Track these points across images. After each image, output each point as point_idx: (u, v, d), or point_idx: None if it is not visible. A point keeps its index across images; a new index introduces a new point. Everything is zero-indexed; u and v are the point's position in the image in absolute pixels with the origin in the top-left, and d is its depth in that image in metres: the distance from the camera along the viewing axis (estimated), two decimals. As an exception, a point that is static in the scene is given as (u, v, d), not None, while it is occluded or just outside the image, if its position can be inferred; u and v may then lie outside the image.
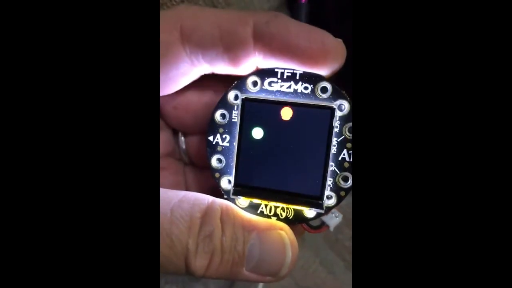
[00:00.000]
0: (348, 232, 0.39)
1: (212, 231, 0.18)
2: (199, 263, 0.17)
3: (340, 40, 0.18)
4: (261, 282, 0.19)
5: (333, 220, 0.20)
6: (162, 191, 0.18)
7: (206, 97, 0.22)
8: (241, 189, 0.20)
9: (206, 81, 0.21)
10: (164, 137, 0.25)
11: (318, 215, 0.19)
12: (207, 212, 0.18)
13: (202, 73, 0.20)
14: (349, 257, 0.36)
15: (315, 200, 0.19)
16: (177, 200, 0.18)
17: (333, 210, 0.20)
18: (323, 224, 0.20)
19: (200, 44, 0.18)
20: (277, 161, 0.19)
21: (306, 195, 0.19)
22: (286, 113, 0.19)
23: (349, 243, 0.37)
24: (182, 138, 0.25)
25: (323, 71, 0.18)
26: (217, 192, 0.20)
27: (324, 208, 0.19)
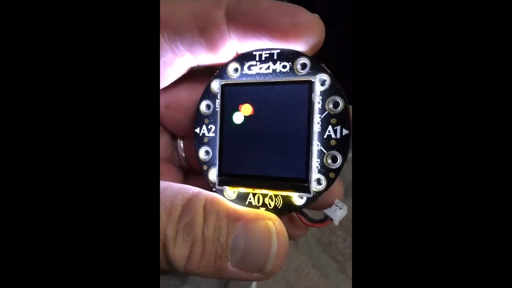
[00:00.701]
0: (341, 234, 0.39)
1: (193, 220, 0.17)
2: (178, 252, 0.16)
3: (315, 15, 0.18)
4: (249, 280, 0.18)
5: (337, 212, 0.19)
6: None
7: (196, 94, 0.21)
8: (226, 178, 0.19)
9: (196, 78, 0.21)
10: (163, 141, 0.24)
11: (308, 203, 0.18)
12: (190, 201, 0.17)
13: (188, 66, 0.20)
14: (342, 258, 0.36)
15: (301, 183, 0.17)
16: (162, 188, 0.17)
17: (336, 201, 0.19)
18: (326, 217, 0.19)
19: (176, 29, 0.18)
20: (260, 145, 0.18)
21: (291, 179, 0.18)
22: (246, 110, 0.18)
23: (342, 245, 0.37)
24: (181, 144, 0.25)
25: (300, 46, 0.18)
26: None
27: (312, 192, 0.18)
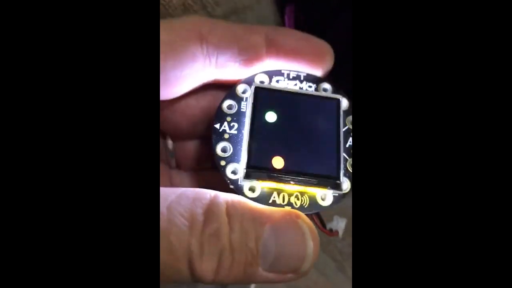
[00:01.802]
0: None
1: (218, 229, 0.15)
2: (206, 267, 0.15)
3: (329, 45, 0.21)
4: (283, 281, 0.17)
5: (340, 225, 0.21)
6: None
7: (204, 102, 0.22)
8: (253, 171, 0.18)
9: (205, 87, 0.21)
10: None
11: (334, 203, 0.19)
12: (210, 208, 0.16)
13: (205, 81, 0.20)
14: (340, 257, 0.36)
15: (333, 180, 0.18)
16: (174, 196, 0.16)
17: (335, 216, 0.20)
18: (331, 230, 0.21)
19: (218, 45, 0.19)
20: (291, 144, 0.19)
21: (323, 175, 0.18)
22: (278, 162, 0.18)
23: (341, 244, 0.37)
24: (170, 141, 0.25)
25: (320, 72, 0.21)
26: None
27: (342, 191, 0.19)
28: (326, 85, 0.21)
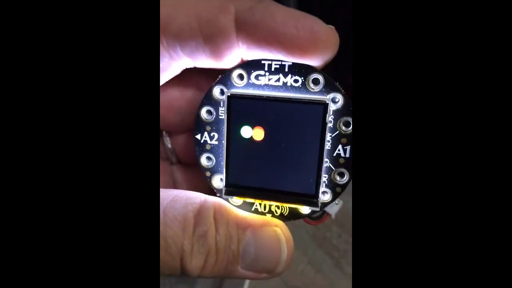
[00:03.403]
0: (336, 230, 0.39)
1: (206, 231, 0.17)
2: (194, 264, 0.17)
3: (332, 27, 0.16)
4: (257, 279, 0.19)
5: (333, 207, 0.19)
6: None
7: (189, 93, 0.21)
8: (233, 189, 0.19)
9: (188, 75, 0.19)
10: None
11: (314, 212, 0.19)
12: (200, 211, 0.18)
13: (184, 67, 0.19)
14: (337, 254, 0.36)
15: (310, 199, 0.18)
16: (169, 200, 0.18)
17: None
18: (324, 213, 0.19)
19: (178, 35, 0.17)
20: (268, 159, 0.18)
21: (300, 194, 0.18)
22: (258, 134, 0.18)
23: (336, 241, 0.37)
24: (167, 137, 0.24)
25: (314, 62, 0.17)
26: (208, 189, 0.20)
27: (320, 205, 0.18)
28: (317, 75, 0.17)
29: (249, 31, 0.16)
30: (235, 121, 0.18)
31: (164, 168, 0.24)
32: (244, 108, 0.18)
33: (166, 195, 0.18)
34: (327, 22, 0.17)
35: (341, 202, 0.20)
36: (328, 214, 0.19)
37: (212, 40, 0.16)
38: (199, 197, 0.18)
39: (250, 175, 0.19)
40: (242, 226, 0.18)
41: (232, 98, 0.18)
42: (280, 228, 0.19)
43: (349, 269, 0.35)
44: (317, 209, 0.18)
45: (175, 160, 0.24)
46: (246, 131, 0.18)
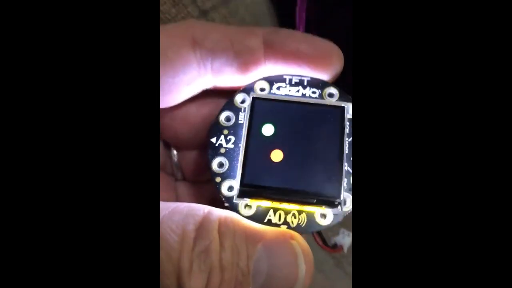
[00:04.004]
0: (337, 230, 0.39)
1: (209, 246, 0.15)
2: (194, 284, 0.15)
3: (337, 47, 0.19)
4: None
5: (345, 240, 0.19)
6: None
7: (205, 110, 0.21)
8: (248, 189, 0.18)
9: (206, 93, 0.20)
10: None
11: (334, 222, 0.18)
12: (203, 224, 0.16)
13: (204, 88, 0.20)
14: (338, 254, 0.36)
15: (332, 199, 0.17)
16: (167, 211, 0.16)
17: (341, 229, 0.19)
18: (335, 245, 0.19)
19: (212, 49, 0.18)
20: (288, 159, 0.18)
21: (322, 194, 0.17)
22: (277, 156, 0.18)
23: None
24: (175, 151, 0.24)
25: (326, 76, 0.20)
26: (214, 206, 0.19)
27: (342, 210, 0.18)
28: (332, 90, 0.19)
29: (276, 49, 0.19)
30: (257, 120, 0.19)
31: (168, 183, 0.24)
32: (266, 109, 0.19)
33: (165, 206, 0.17)
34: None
35: (351, 235, 0.19)
36: (340, 246, 0.19)
37: (242, 56, 0.19)
38: (203, 208, 0.17)
39: (268, 175, 0.18)
40: (253, 240, 0.16)
41: (256, 99, 0.19)
42: (297, 240, 0.17)
43: (350, 269, 0.35)
44: (339, 211, 0.18)
45: (180, 176, 0.24)
46: (268, 130, 0.19)
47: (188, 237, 0.15)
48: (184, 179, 0.24)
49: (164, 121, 0.22)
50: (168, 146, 0.24)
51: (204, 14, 0.31)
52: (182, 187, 0.24)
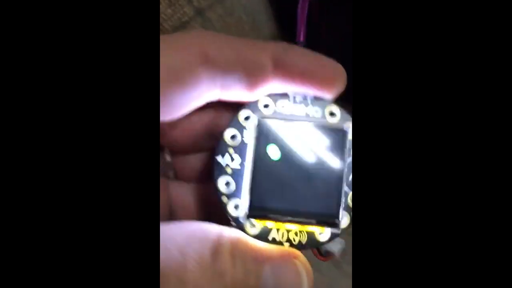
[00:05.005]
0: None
1: (223, 268, 0.17)
2: None
3: (342, 67, 0.20)
4: None
5: (337, 246, 0.20)
6: (163, 225, 0.18)
7: (207, 118, 0.22)
8: (256, 212, 0.19)
9: (210, 103, 0.20)
10: None
11: (332, 238, 0.19)
12: (217, 248, 0.17)
13: (209, 100, 0.20)
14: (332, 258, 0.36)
15: (331, 219, 0.19)
16: (184, 237, 0.17)
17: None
18: (328, 252, 0.20)
19: (224, 67, 0.19)
20: (291, 180, 0.19)
21: (322, 214, 0.19)
22: (282, 177, 0.19)
23: (335, 240, 0.37)
24: (168, 152, 0.24)
25: (330, 95, 0.20)
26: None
27: (340, 229, 0.19)
28: (334, 109, 0.20)
29: (286, 68, 0.19)
30: (263, 142, 0.19)
31: (160, 183, 0.24)
32: (272, 130, 0.19)
33: (178, 231, 0.18)
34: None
35: (343, 242, 0.20)
36: (332, 253, 0.20)
37: (251, 73, 0.19)
38: (214, 230, 0.18)
39: (273, 197, 0.19)
40: (260, 260, 0.18)
41: (262, 122, 0.20)
42: (299, 259, 0.18)
43: (348, 269, 0.35)
44: (338, 231, 0.19)
45: (173, 176, 0.24)
46: (274, 152, 0.19)
47: (205, 262, 0.17)
48: (176, 177, 0.25)
49: (163, 128, 0.22)
50: (161, 148, 0.24)
51: (200, 14, 0.31)
52: (175, 187, 0.24)
